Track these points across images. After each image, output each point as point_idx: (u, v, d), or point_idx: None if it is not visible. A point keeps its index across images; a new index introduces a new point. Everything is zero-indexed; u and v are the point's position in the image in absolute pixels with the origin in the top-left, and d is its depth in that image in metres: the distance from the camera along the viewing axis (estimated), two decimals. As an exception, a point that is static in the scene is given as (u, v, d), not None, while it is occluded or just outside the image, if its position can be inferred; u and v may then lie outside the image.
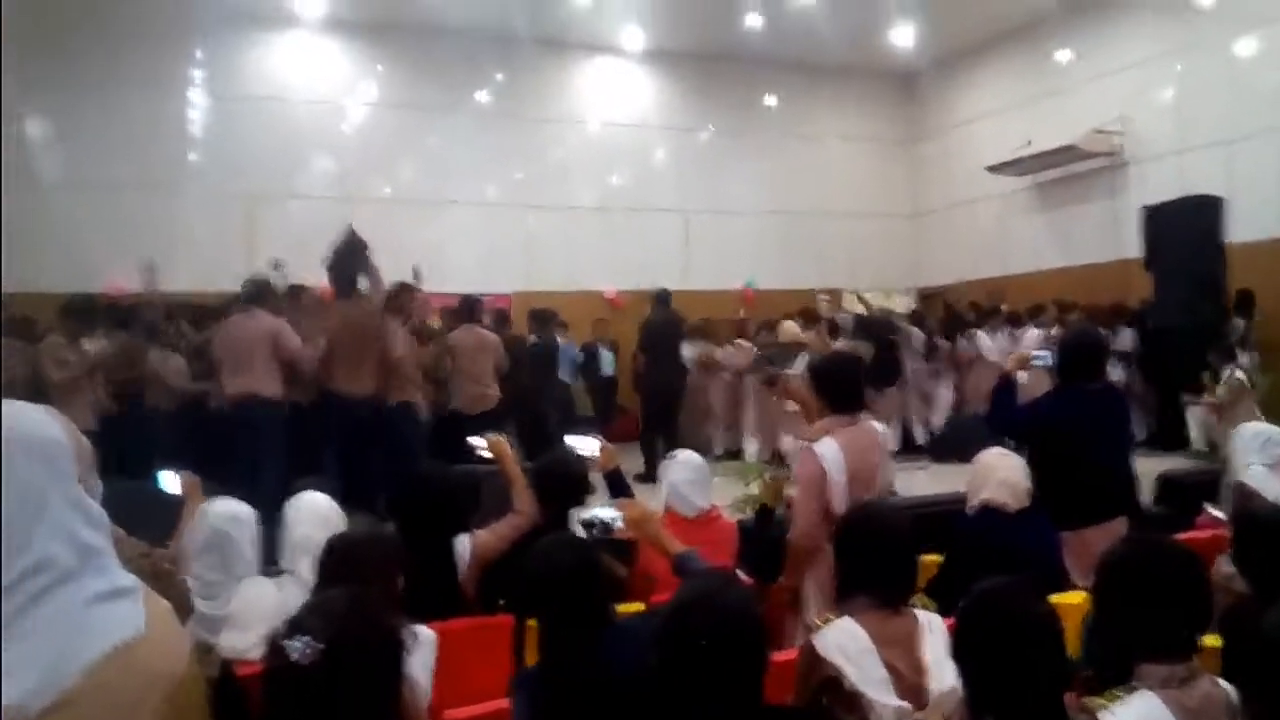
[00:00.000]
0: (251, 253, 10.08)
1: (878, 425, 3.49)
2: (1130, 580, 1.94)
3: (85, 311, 6.77)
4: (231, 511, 2.93)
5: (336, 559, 2.49)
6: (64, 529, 1.20)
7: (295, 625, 1.36)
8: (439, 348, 7.53)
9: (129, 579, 1.28)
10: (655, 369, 9.24)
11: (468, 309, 7.79)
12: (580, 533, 2.63)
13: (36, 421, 1.24)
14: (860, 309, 10.93)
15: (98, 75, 10.58)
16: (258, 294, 6.56)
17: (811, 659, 2.27)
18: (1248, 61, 10.55)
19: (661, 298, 9.41)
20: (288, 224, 10.54)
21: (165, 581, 2.18)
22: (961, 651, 1.89)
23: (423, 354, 7.35)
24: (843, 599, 2.40)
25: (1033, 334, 9.74)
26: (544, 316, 9.34)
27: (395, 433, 6.65)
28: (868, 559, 2.38)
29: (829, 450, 3.29)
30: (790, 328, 9.75)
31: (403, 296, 7.15)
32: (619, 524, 2.65)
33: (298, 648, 1.32)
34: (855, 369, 3.56)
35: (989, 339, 10.16)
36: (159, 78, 11.04)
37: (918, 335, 10.27)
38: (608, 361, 11.15)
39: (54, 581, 1.17)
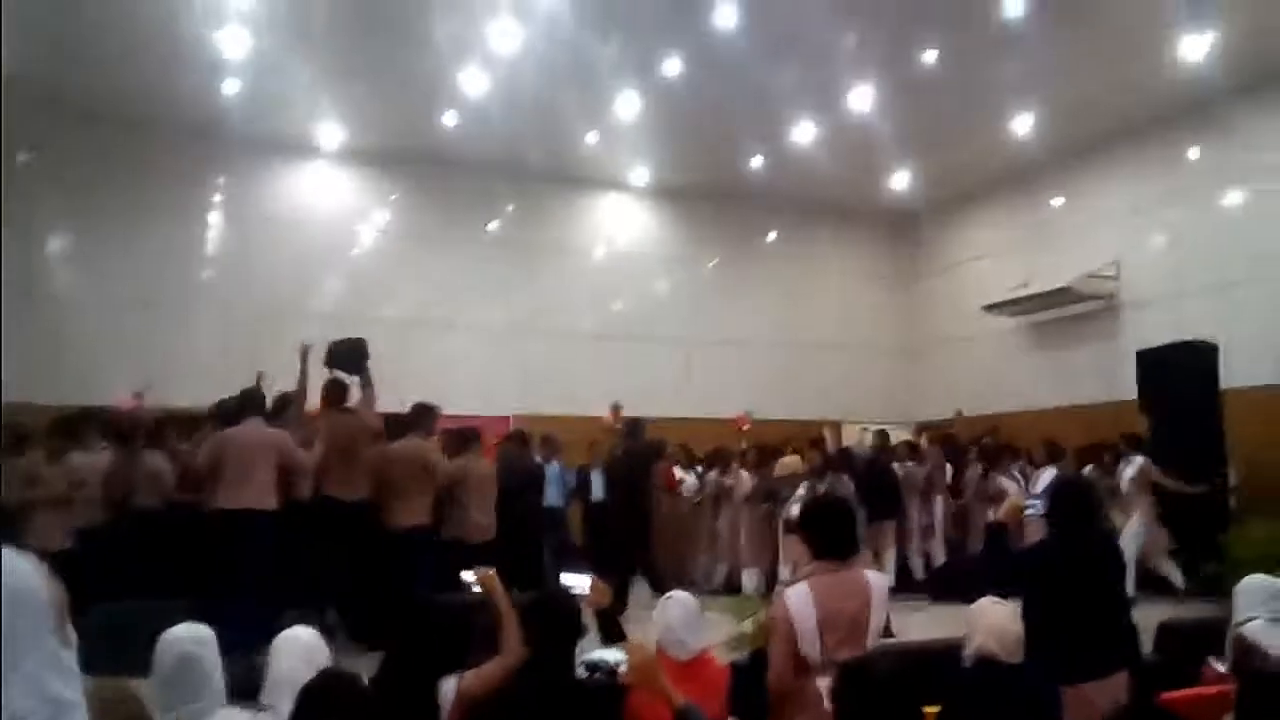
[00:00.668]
0: (256, 369, 10.20)
1: (871, 574, 3.45)
2: None
3: (73, 426, 6.80)
4: (194, 634, 2.80)
5: (312, 704, 2.42)
6: (36, 683, 1.18)
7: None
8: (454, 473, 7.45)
9: None
10: (622, 502, 8.94)
11: (470, 438, 7.73)
12: (583, 674, 2.58)
13: (18, 573, 1.22)
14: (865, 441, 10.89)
15: (122, 198, 10.99)
16: (256, 405, 6.59)
17: None
18: (1236, 212, 10.87)
19: (631, 429, 9.17)
20: (296, 342, 10.65)
21: None
22: None
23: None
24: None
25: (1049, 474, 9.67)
26: (521, 438, 9.24)
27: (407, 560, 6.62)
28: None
29: (797, 596, 3.29)
30: (790, 461, 9.72)
31: (425, 417, 7.20)
32: (623, 669, 2.61)
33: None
34: (843, 515, 3.54)
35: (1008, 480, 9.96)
36: (179, 202, 11.44)
37: (915, 471, 10.23)
38: (599, 485, 10.84)
39: None
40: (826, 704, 3.16)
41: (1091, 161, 12.47)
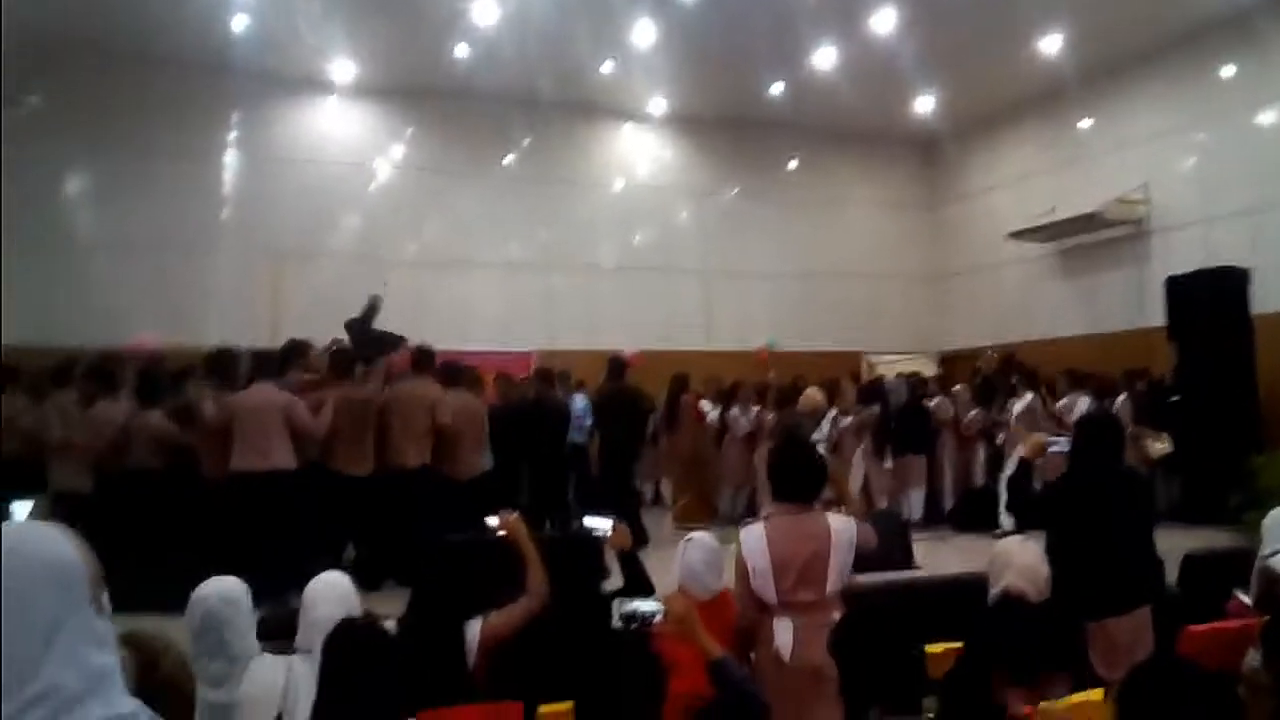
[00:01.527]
0: (277, 309, 10.26)
1: (833, 517, 3.40)
2: (1156, 710, 1.88)
3: (107, 374, 6.86)
4: (224, 592, 2.85)
5: (336, 655, 2.45)
6: (74, 656, 1.18)
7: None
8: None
9: (131, 704, 1.25)
10: (607, 444, 8.87)
11: (456, 373, 7.52)
12: (619, 624, 2.59)
13: (51, 545, 1.22)
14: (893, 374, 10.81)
15: (135, 139, 10.90)
16: (267, 366, 6.63)
17: None
18: (1271, 132, 10.56)
19: (614, 368, 9.00)
20: (314, 282, 10.72)
21: (174, 689, 2.14)
22: None
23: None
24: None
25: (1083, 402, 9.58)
26: (545, 375, 9.15)
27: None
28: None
29: (751, 538, 3.30)
30: (812, 395, 9.66)
31: (424, 360, 7.25)
32: (658, 619, 2.62)
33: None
34: (804, 458, 3.50)
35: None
36: (194, 141, 11.37)
37: (945, 404, 10.13)
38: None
39: (58, 708, 1.15)
40: (777, 645, 3.17)
41: (1121, 82, 12.12)
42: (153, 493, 6.50)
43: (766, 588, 3.25)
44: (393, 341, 7.41)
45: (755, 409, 9.91)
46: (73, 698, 1.16)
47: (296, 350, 6.90)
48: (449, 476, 7.08)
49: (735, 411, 9.98)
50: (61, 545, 1.24)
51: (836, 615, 3.28)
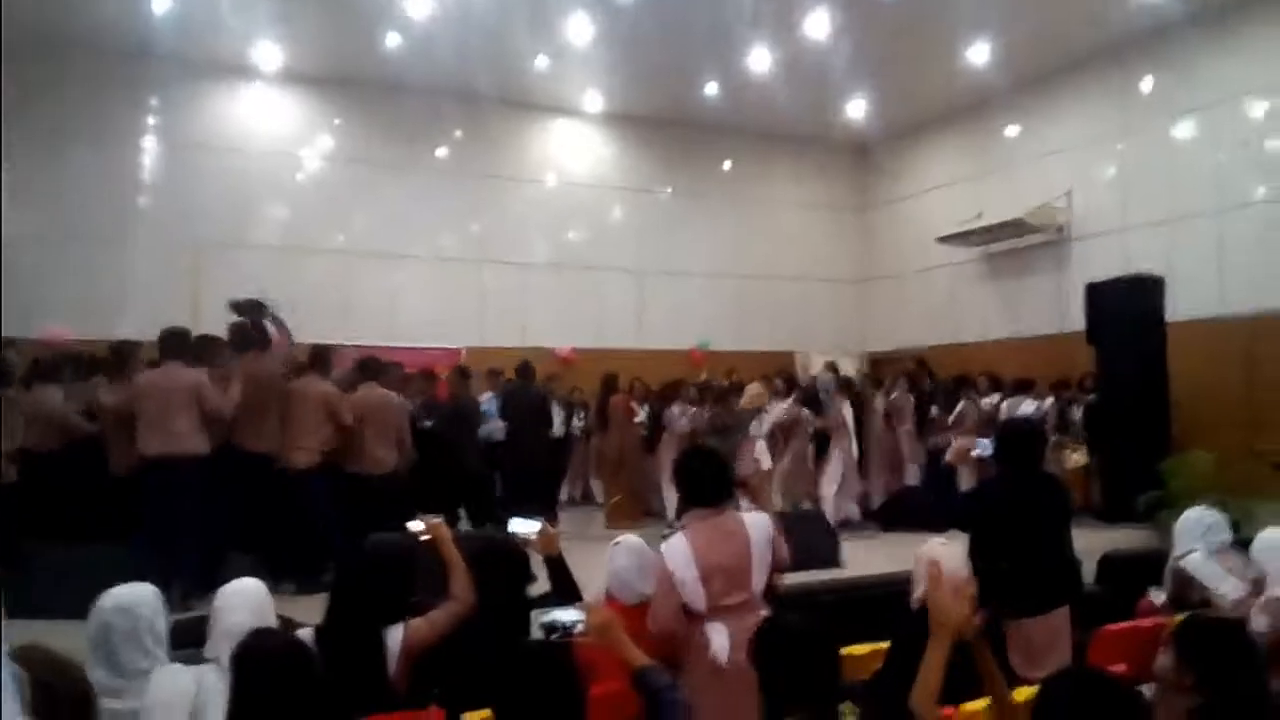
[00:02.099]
0: (197, 301, 9.96)
1: (748, 515, 3.40)
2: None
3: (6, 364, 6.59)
4: (120, 602, 2.71)
5: (248, 669, 2.36)
6: None
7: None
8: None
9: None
10: (514, 441, 8.97)
11: (367, 368, 7.35)
12: (539, 635, 2.53)
13: None
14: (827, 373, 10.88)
15: (51, 125, 10.49)
16: (174, 345, 6.31)
17: None
18: (1187, 143, 10.93)
19: (521, 369, 9.26)
20: (236, 273, 10.40)
21: (75, 709, 2.04)
22: None
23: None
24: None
25: (1028, 405, 9.88)
26: (463, 373, 9.02)
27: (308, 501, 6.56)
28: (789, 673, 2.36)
29: (675, 548, 3.26)
30: (755, 389, 9.71)
31: (322, 358, 7.07)
32: (579, 629, 2.56)
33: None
34: (711, 461, 3.49)
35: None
36: (113, 128, 10.98)
37: (881, 401, 10.29)
38: (558, 420, 10.75)
39: None
40: (713, 650, 3.16)
41: (1046, 92, 12.43)
42: (55, 476, 6.29)
43: (696, 596, 3.21)
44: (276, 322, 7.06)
45: (692, 409, 9.91)
46: None
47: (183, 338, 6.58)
48: (355, 473, 6.89)
49: (675, 410, 9.97)
50: None
51: (763, 614, 3.28)
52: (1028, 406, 9.89)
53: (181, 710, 2.67)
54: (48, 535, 5.81)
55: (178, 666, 2.79)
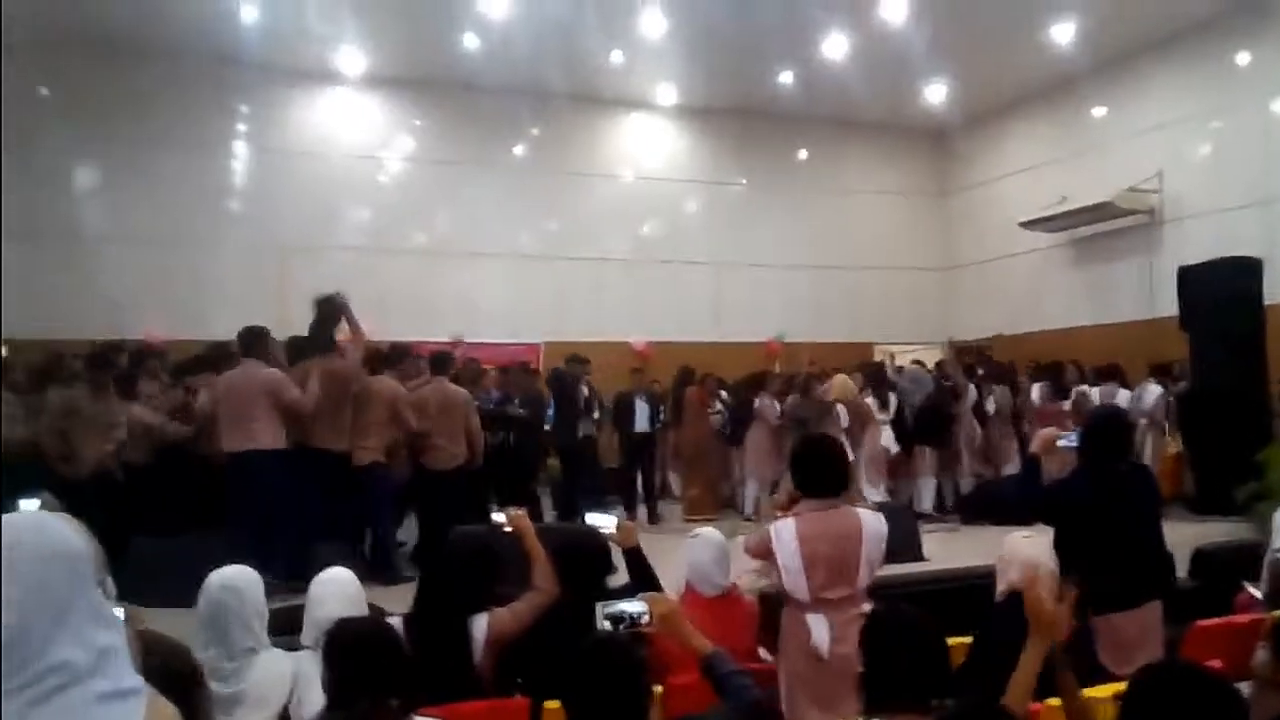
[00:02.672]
0: (284, 302, 10.26)
1: (864, 512, 3.40)
2: (1160, 714, 1.87)
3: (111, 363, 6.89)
4: (229, 581, 2.83)
5: (340, 654, 2.45)
6: (81, 635, 1.26)
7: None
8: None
9: (135, 680, 1.34)
10: (560, 427, 9.08)
11: (437, 363, 7.46)
12: (605, 626, 2.58)
13: (61, 532, 1.31)
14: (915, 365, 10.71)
15: (140, 131, 10.93)
16: (252, 344, 6.45)
17: None
18: (1286, 121, 10.47)
19: (570, 359, 9.39)
20: (321, 274, 10.68)
21: (188, 683, 2.15)
22: None
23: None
24: (870, 706, 2.36)
25: (1154, 390, 9.59)
26: (525, 369, 9.13)
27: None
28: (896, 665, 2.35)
29: (783, 534, 3.27)
30: (843, 382, 9.56)
31: (398, 355, 7.30)
32: (645, 619, 2.60)
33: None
34: (831, 452, 3.49)
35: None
36: (200, 133, 11.39)
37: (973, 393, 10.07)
38: (643, 415, 10.02)
39: (66, 682, 1.23)
40: (814, 640, 3.17)
41: (1135, 70, 12.02)
42: (152, 475, 6.56)
43: (798, 585, 3.23)
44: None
45: (778, 399, 9.86)
46: (81, 673, 1.24)
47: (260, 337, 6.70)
48: (426, 468, 7.06)
49: (763, 401, 9.92)
50: (70, 533, 1.33)
51: (867, 608, 3.28)
52: (1123, 396, 9.55)
53: (281, 693, 2.79)
54: (147, 529, 6.05)
55: (279, 651, 2.91)
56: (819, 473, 3.39)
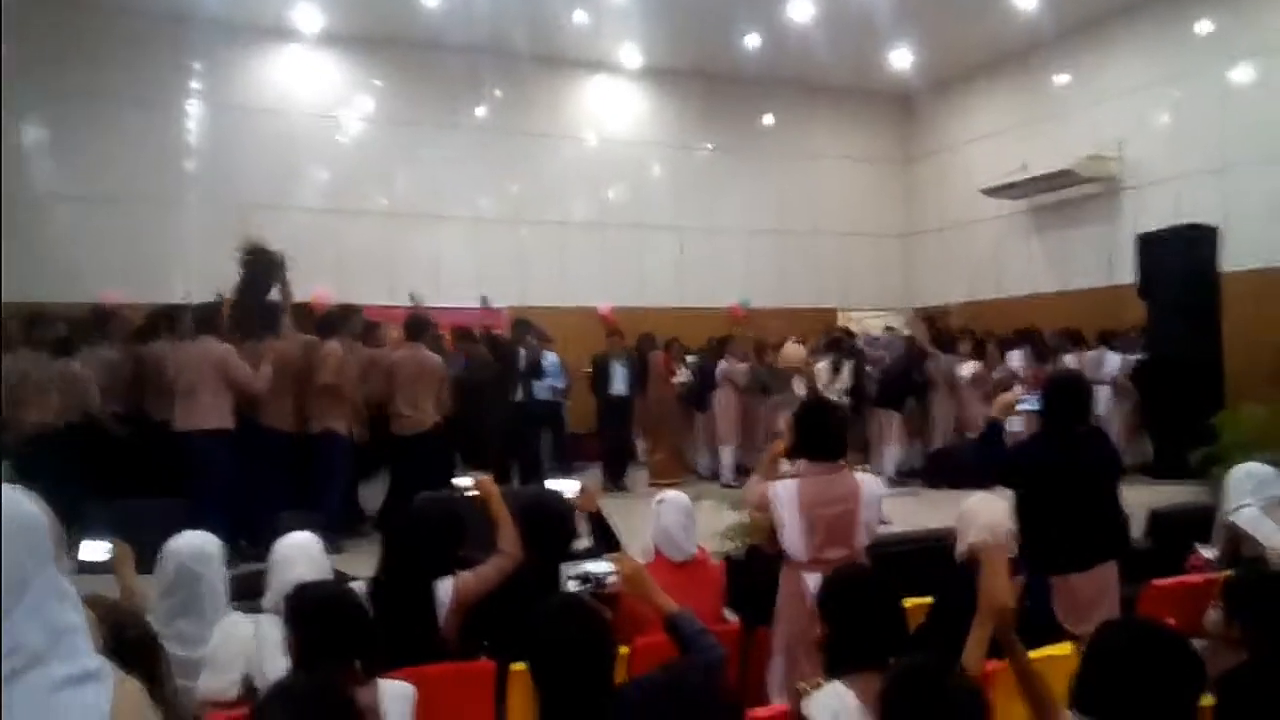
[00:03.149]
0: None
1: (862, 475, 3.48)
2: (1119, 669, 1.91)
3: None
4: (199, 549, 2.83)
5: (303, 618, 2.43)
6: (39, 612, 1.20)
7: (259, 714, 1.34)
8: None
9: (96, 660, 1.28)
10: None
11: (416, 328, 7.44)
12: (572, 587, 2.58)
13: (17, 505, 1.24)
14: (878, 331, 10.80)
15: (94, 87, 10.58)
16: (207, 319, 6.45)
17: None
18: (1244, 89, 10.60)
19: (516, 323, 9.59)
20: (280, 235, 10.48)
21: (145, 651, 2.13)
22: None
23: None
24: (832, 667, 2.38)
25: (1113, 357, 9.76)
26: (466, 334, 9.02)
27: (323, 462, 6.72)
28: (856, 626, 2.37)
29: (782, 494, 3.35)
30: (793, 351, 9.66)
31: (353, 319, 7.14)
32: (611, 579, 2.60)
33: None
34: (833, 417, 3.56)
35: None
36: (155, 90, 11.04)
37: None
38: (619, 378, 9.98)
39: (23, 665, 1.16)
40: (809, 601, 3.20)
41: (1097, 38, 12.08)
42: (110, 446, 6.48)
43: (795, 545, 3.32)
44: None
45: (743, 364, 9.91)
46: (36, 655, 1.18)
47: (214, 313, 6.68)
48: (394, 434, 7.05)
49: (724, 365, 9.97)
50: (26, 505, 1.25)
51: None
52: (1112, 360, 9.73)
53: (242, 657, 2.77)
54: (104, 493, 5.96)
55: (239, 615, 2.90)
56: (821, 437, 3.46)
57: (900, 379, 9.65)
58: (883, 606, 2.41)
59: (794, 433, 3.52)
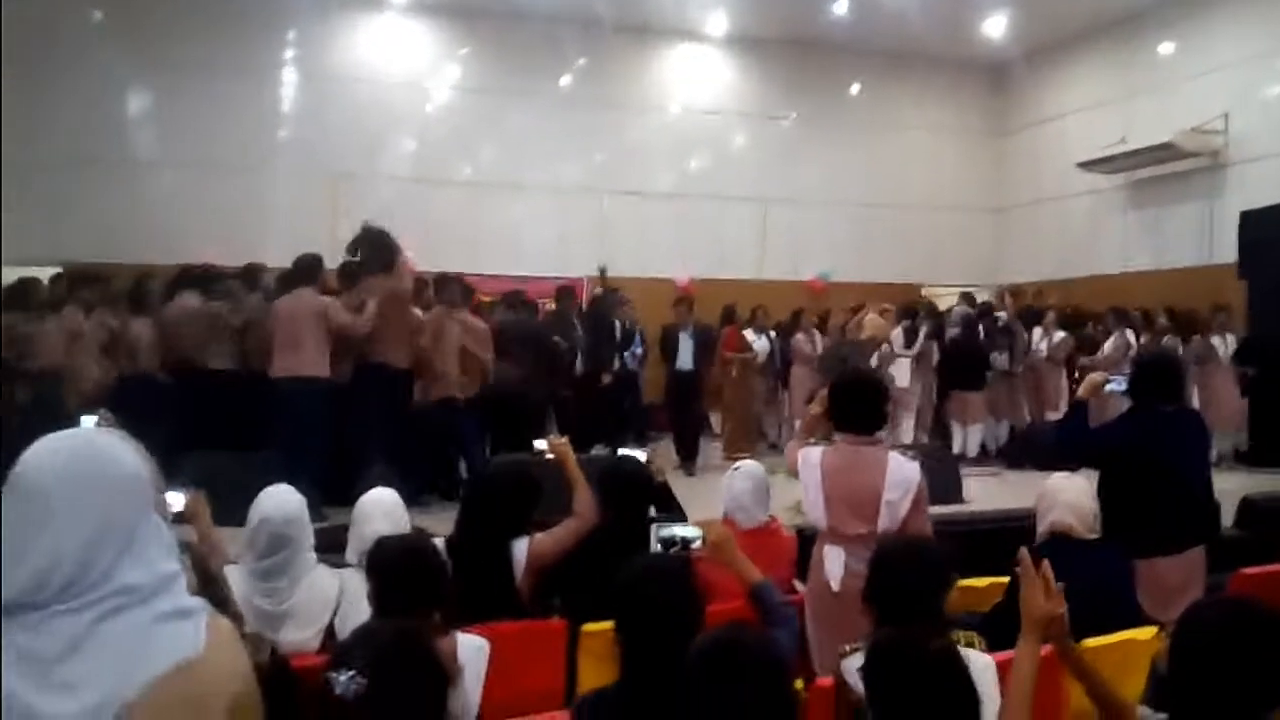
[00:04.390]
0: (334, 229, 10.32)
1: (894, 455, 3.38)
2: (1208, 648, 1.84)
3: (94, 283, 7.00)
4: (287, 512, 2.89)
5: (384, 568, 2.50)
6: (145, 559, 1.28)
7: (341, 657, 1.40)
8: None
9: (195, 601, 1.36)
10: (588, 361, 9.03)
11: (446, 289, 7.51)
12: (658, 549, 2.61)
13: (124, 456, 1.32)
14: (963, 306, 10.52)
15: (191, 57, 10.92)
16: (306, 271, 6.61)
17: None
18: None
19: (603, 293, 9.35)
20: (370, 202, 10.73)
21: (215, 588, 2.23)
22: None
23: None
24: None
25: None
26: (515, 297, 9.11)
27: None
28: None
29: (809, 462, 3.35)
30: (874, 321, 9.52)
31: (450, 286, 7.37)
32: (698, 544, 2.63)
33: (343, 683, 1.36)
34: (869, 389, 3.49)
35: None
36: (249, 60, 11.40)
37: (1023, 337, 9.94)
38: (686, 351, 9.38)
39: (130, 602, 1.25)
40: (827, 571, 3.23)
41: (1202, 6, 11.54)
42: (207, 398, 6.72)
43: (817, 514, 3.31)
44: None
45: (819, 337, 9.83)
46: (146, 594, 1.26)
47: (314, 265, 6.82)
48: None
49: (800, 338, 9.87)
50: (131, 456, 1.32)
51: None
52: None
53: (327, 609, 2.88)
54: (204, 444, 6.20)
55: (324, 568, 2.99)
56: (854, 408, 3.41)
57: (968, 355, 9.43)
58: (928, 565, 2.41)
59: (830, 402, 3.48)
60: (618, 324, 9.37)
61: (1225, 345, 9.12)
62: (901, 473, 3.29)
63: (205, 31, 10.98)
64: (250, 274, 7.63)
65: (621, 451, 3.69)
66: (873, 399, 3.46)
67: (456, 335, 7.16)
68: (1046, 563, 2.30)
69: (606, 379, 8.87)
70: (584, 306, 9.67)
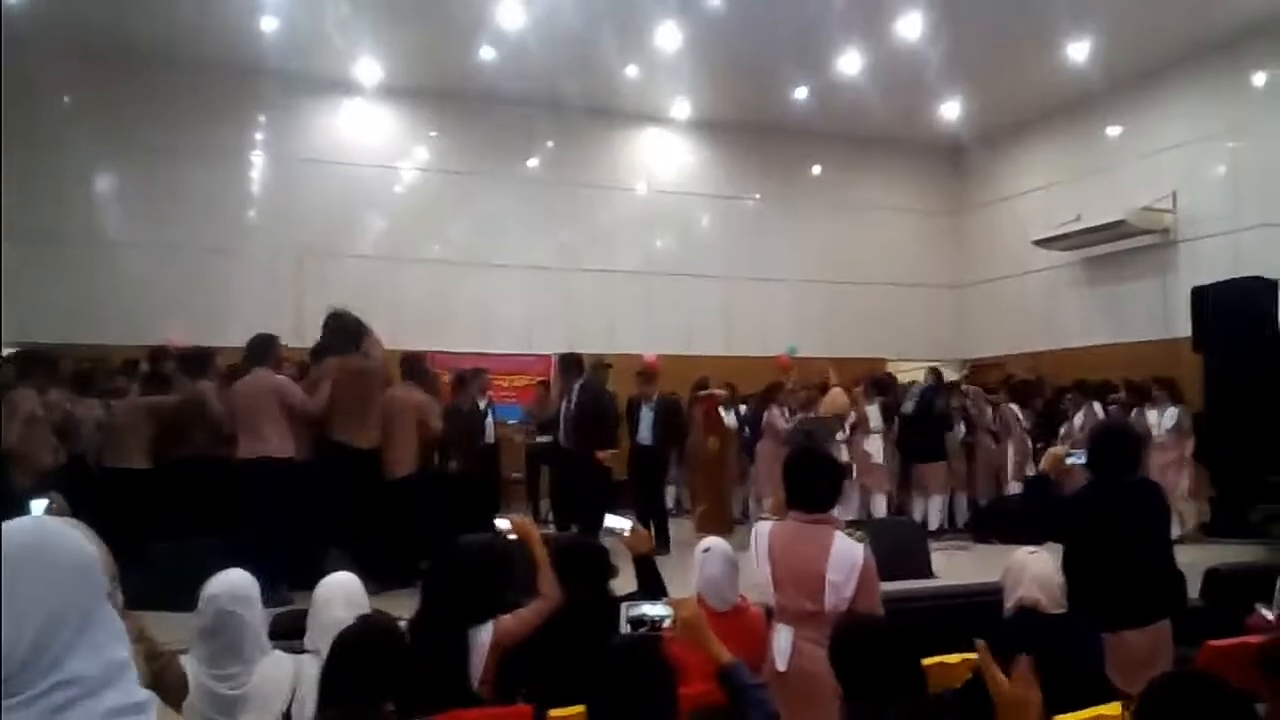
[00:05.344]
0: (300, 309, 10.32)
1: (840, 536, 3.33)
2: None
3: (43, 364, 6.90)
4: (236, 590, 2.83)
5: (340, 663, 2.44)
6: (96, 647, 1.25)
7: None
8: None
9: (144, 693, 1.32)
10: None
11: (415, 370, 7.44)
12: (627, 629, 2.56)
13: (76, 541, 1.29)
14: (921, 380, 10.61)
15: (159, 140, 11.01)
16: (262, 351, 6.58)
17: None
18: (1302, 142, 10.43)
19: (595, 365, 9.10)
20: (338, 282, 10.76)
21: (163, 663, 2.17)
22: None
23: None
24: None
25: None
26: (464, 377, 9.09)
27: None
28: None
29: (758, 538, 3.37)
30: (836, 398, 9.59)
31: (413, 366, 7.34)
32: (668, 623, 2.58)
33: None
34: (822, 466, 3.48)
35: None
36: (218, 142, 11.47)
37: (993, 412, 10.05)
38: (646, 425, 9.21)
39: (79, 695, 1.20)
40: (773, 649, 3.24)
41: (1150, 90, 12.00)
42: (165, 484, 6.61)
43: (765, 589, 3.30)
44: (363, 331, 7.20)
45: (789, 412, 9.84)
46: (94, 687, 1.21)
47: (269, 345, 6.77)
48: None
49: (775, 412, 9.85)
50: (81, 542, 1.29)
51: None
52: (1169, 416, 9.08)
53: (283, 695, 2.79)
54: (161, 532, 6.07)
55: (281, 654, 2.92)
56: (804, 485, 3.40)
57: (926, 427, 9.51)
58: (890, 645, 2.40)
59: (783, 479, 3.49)
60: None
61: (1161, 419, 9.11)
62: (846, 554, 3.24)
63: (174, 114, 11.05)
64: (198, 360, 7.45)
65: (607, 520, 3.63)
66: (823, 476, 3.45)
67: (411, 412, 7.07)
68: (1026, 658, 2.29)
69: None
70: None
